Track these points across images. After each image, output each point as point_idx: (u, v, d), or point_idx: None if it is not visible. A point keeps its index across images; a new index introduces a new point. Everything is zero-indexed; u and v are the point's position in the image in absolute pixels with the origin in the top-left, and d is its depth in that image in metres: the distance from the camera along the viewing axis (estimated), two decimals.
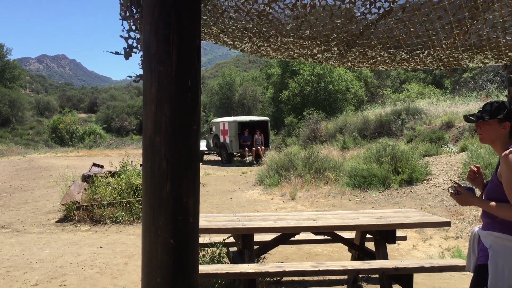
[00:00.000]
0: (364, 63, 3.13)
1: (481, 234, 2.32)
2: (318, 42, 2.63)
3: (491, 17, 2.22)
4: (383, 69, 3.46)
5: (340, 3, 2.02)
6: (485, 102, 2.77)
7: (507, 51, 2.70)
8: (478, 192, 2.45)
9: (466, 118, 2.35)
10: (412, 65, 3.16)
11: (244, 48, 2.90)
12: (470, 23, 2.24)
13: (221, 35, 2.60)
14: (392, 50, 2.69)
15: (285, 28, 2.36)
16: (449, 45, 2.55)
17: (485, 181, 2.38)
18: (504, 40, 2.50)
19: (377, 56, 2.83)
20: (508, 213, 2.15)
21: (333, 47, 2.71)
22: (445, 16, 2.16)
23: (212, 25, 2.36)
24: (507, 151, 2.17)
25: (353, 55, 2.87)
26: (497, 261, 2.16)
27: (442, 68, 3.21)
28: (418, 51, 2.69)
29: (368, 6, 2.04)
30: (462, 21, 2.22)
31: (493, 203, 2.18)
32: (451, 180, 2.35)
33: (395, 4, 2.01)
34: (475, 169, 2.46)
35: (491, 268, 2.17)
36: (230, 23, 2.23)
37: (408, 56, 2.84)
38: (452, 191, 2.32)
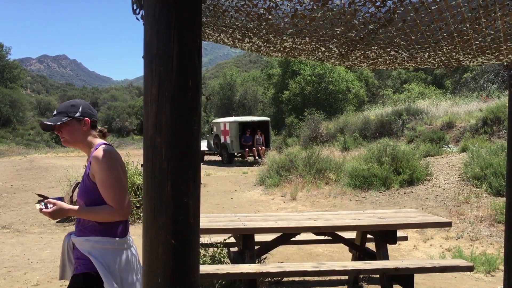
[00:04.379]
0: (365, 63, 3.13)
1: (76, 241, 2.12)
2: (317, 45, 2.64)
3: (492, 32, 2.22)
4: (384, 68, 3.46)
5: (340, 15, 2.02)
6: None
7: (508, 54, 2.70)
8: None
9: (43, 125, 2.12)
10: (413, 65, 3.17)
11: (245, 47, 2.91)
12: (471, 34, 2.24)
13: (222, 35, 2.61)
14: (393, 52, 2.70)
15: (285, 32, 2.37)
16: (449, 49, 2.56)
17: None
18: (505, 46, 2.51)
19: (378, 57, 2.84)
20: (106, 214, 2.03)
21: (334, 49, 2.72)
22: (445, 27, 2.15)
23: (212, 25, 2.37)
24: (97, 151, 2.07)
25: (354, 56, 2.88)
26: (105, 265, 2.03)
27: (443, 66, 3.22)
28: (419, 52, 2.70)
29: (368, 18, 2.04)
30: (464, 32, 2.22)
31: (88, 208, 2.05)
32: (36, 194, 2.16)
33: (396, 15, 2.01)
34: None
35: (103, 274, 2.01)
36: (231, 21, 2.23)
37: (409, 58, 2.84)
38: (42, 207, 2.02)
